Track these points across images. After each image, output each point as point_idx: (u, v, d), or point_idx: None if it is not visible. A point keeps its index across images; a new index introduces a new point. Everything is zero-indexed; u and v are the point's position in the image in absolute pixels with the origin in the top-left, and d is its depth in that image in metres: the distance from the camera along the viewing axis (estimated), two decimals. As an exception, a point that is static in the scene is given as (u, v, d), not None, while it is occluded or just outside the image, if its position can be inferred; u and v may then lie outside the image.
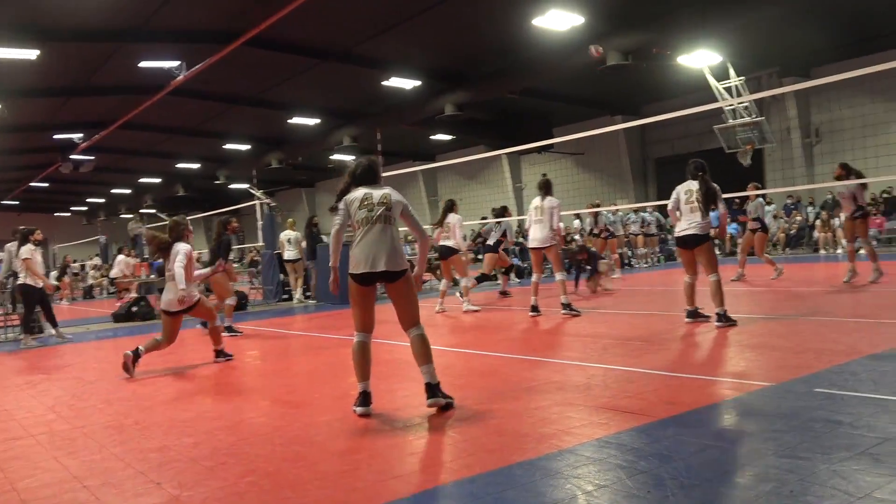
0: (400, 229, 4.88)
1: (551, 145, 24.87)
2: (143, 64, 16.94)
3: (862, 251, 10.68)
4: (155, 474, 3.58)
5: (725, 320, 7.22)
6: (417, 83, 19.90)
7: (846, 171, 10.51)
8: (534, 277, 9.70)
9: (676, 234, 7.67)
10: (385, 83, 19.58)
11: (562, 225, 9.85)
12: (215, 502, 3.14)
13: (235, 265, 18.35)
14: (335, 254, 4.84)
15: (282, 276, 15.69)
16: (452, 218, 10.91)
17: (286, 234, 14.95)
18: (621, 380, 5.10)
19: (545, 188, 9.56)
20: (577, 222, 21.82)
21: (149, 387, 6.21)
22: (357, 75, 19.99)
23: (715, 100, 18.24)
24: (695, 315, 7.64)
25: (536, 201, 9.46)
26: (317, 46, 18.14)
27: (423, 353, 4.61)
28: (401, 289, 4.65)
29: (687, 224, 7.46)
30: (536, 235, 9.33)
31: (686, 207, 7.50)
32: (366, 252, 4.53)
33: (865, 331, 6.47)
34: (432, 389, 4.51)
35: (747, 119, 19.37)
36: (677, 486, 2.95)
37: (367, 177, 4.75)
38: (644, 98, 24.83)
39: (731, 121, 19.63)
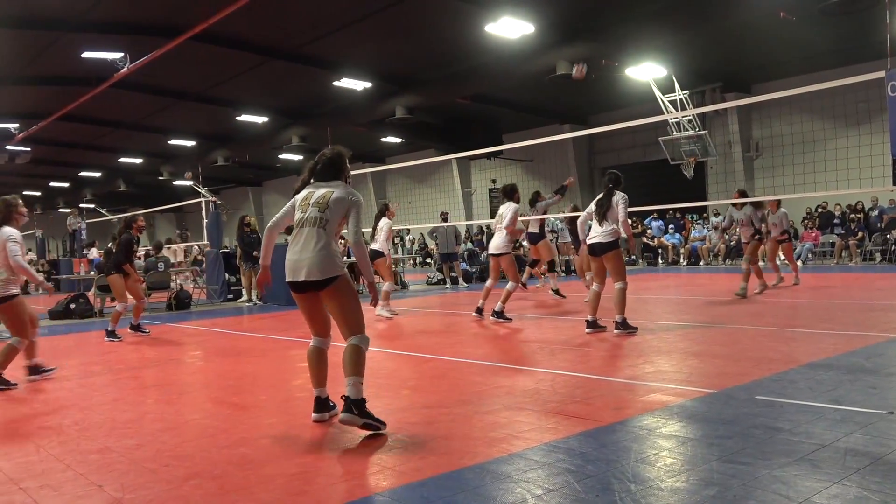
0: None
1: (501, 151, 25.06)
2: (86, 54, 16.45)
3: (743, 265, 11.23)
4: (96, 476, 3.48)
5: (624, 328, 7.51)
6: (368, 85, 19.81)
7: (741, 197, 11.15)
8: (488, 283, 9.86)
9: (587, 243, 7.86)
10: (336, 83, 19.43)
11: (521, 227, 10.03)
12: (159, 506, 3.07)
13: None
14: (265, 249, 4.57)
15: (227, 275, 15.42)
16: (382, 222, 11.06)
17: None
18: (569, 385, 5.16)
19: (506, 193, 9.55)
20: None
21: (87, 387, 6.03)
22: (307, 74, 19.81)
23: (660, 112, 18.65)
24: (594, 325, 7.75)
25: (500, 208, 9.54)
26: (267, 44, 17.91)
27: (350, 362, 4.14)
28: (331, 297, 4.23)
29: (594, 233, 7.69)
30: (494, 242, 9.41)
31: (595, 218, 7.76)
32: (292, 259, 4.24)
33: (802, 340, 6.70)
34: (348, 404, 4.04)
35: (691, 132, 19.86)
36: (624, 490, 3.00)
37: (324, 173, 4.48)
38: (592, 108, 25.23)
39: (675, 133, 20.10)
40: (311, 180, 4.51)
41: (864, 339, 6.52)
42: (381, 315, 10.49)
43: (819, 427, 3.76)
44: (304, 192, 4.41)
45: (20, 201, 6.37)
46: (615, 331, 7.51)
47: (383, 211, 11.28)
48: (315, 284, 4.19)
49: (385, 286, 10.93)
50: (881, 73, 7.37)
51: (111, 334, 9.19)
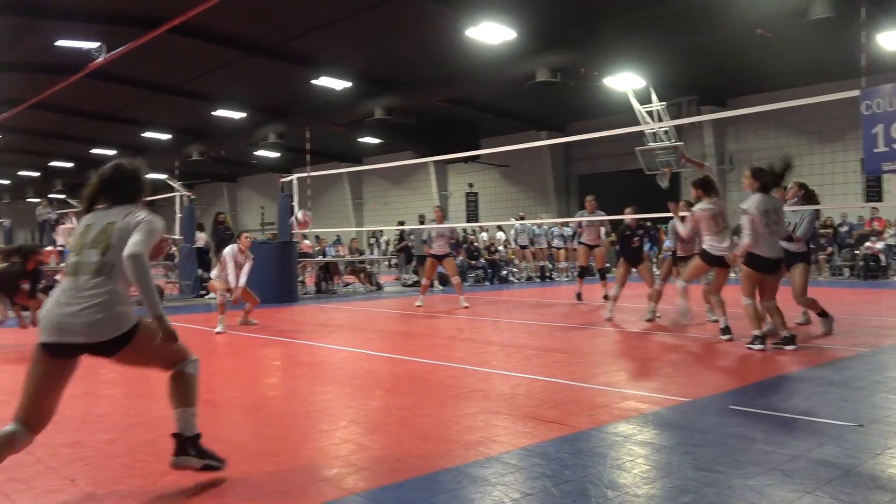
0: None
1: (478, 156, 25.14)
2: (60, 43, 16.21)
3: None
4: (68, 470, 3.42)
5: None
6: (348, 84, 19.77)
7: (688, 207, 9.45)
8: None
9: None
10: (315, 82, 19.37)
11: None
12: (133, 500, 3.03)
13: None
14: None
15: (199, 271, 15.26)
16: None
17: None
18: (545, 390, 5.19)
19: None
20: (500, 234, 22.18)
21: (56, 380, 5.92)
22: (287, 72, 19.71)
23: (637, 122, 18.84)
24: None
25: None
26: (247, 39, 17.80)
27: (182, 392, 3.38)
28: (134, 352, 3.21)
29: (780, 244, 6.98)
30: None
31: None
32: (55, 314, 3.06)
33: (773, 352, 6.78)
34: (181, 443, 3.28)
35: (667, 143, 20.07)
36: (601, 495, 3.02)
37: (111, 194, 3.33)
38: (570, 116, 25.42)
39: (651, 144, 20.30)
40: (92, 206, 3.35)
41: (833, 353, 6.63)
42: (220, 331, 9.09)
43: (791, 438, 3.82)
44: (81, 226, 3.27)
45: None
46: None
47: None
48: (103, 346, 3.09)
49: (218, 297, 9.52)
50: (856, 92, 7.51)
51: None
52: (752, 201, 6.68)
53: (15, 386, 5.57)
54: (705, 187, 7.71)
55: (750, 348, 6.64)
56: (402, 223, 21.66)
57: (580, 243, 12.51)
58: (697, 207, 7.65)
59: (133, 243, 3.04)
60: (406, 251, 19.00)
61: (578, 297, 12.35)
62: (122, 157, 3.59)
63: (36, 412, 3.12)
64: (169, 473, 3.38)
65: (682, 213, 8.56)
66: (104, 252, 3.10)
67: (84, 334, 3.03)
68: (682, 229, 8.53)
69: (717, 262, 7.46)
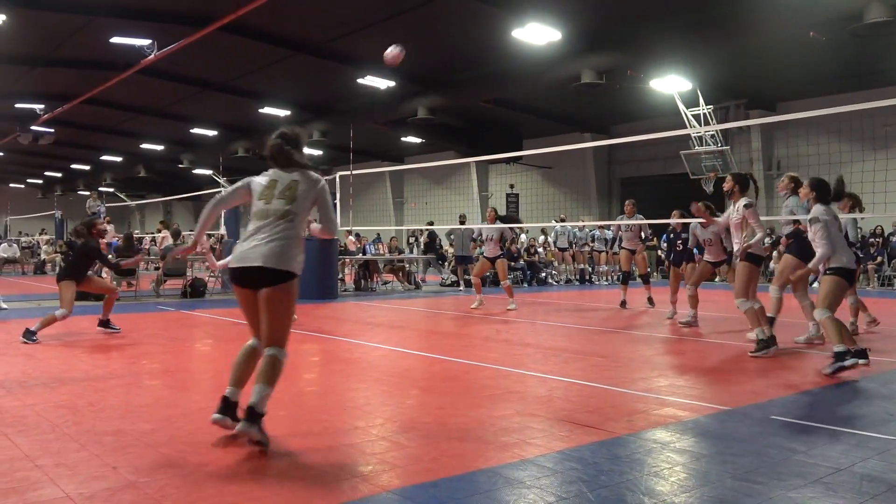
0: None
1: (520, 157, 25.04)
2: (114, 40, 16.59)
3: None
4: (111, 458, 3.50)
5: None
6: (392, 83, 19.86)
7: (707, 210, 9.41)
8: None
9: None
10: (360, 81, 19.49)
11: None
12: (173, 490, 3.09)
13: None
14: (204, 223, 4.22)
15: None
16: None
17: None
18: (582, 394, 5.15)
19: None
20: (542, 237, 22.09)
21: (102, 369, 6.07)
22: (332, 70, 19.88)
23: (683, 125, 18.59)
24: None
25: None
26: (293, 38, 18.00)
27: (266, 371, 3.80)
28: (271, 298, 3.81)
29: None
30: None
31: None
32: (244, 248, 3.85)
33: (818, 362, 6.63)
34: (251, 414, 3.64)
35: (713, 147, 19.75)
36: (638, 502, 2.99)
37: (284, 158, 4.05)
38: (614, 118, 25.16)
39: (697, 147, 20.00)
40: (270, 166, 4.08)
41: (880, 365, 6.46)
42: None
43: (834, 450, 3.73)
44: (265, 178, 4.01)
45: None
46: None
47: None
48: (264, 275, 3.74)
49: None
50: (911, 98, 7.30)
51: (31, 334, 7.56)
52: (820, 209, 6.25)
53: (63, 374, 5.74)
54: (744, 183, 7.41)
55: (842, 367, 5.67)
56: (431, 223, 21.72)
57: (621, 248, 12.30)
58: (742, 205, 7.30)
59: (328, 220, 4.11)
60: (433, 250, 19.04)
61: (623, 304, 12.14)
62: (284, 127, 4.20)
63: (255, 329, 3.97)
64: (208, 465, 3.44)
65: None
66: (290, 202, 3.87)
67: (259, 259, 3.75)
68: (705, 233, 8.55)
69: (760, 262, 7.27)
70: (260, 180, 4.03)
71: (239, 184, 4.14)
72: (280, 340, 3.87)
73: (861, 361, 5.69)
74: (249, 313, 3.98)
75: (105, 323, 8.36)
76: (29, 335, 7.52)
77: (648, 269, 13.05)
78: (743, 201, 7.23)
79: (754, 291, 7.12)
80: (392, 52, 9.69)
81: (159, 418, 4.33)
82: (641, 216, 11.85)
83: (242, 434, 3.62)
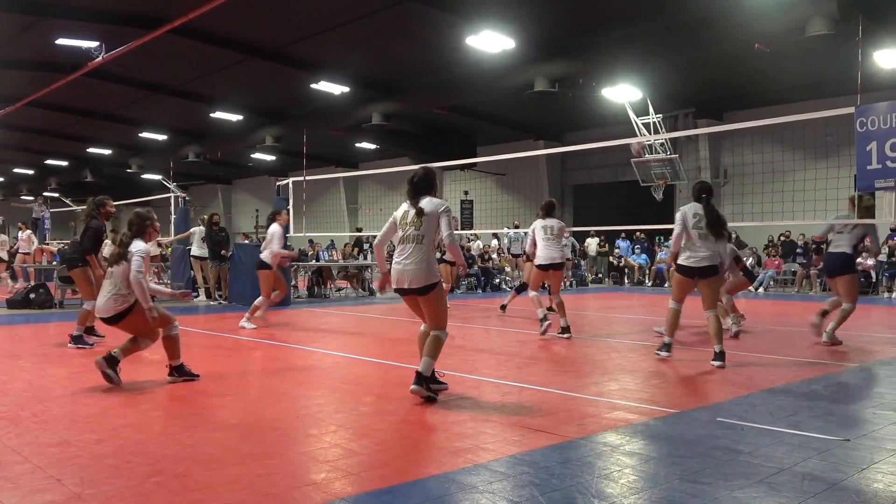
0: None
1: (474, 163, 25.16)
2: (61, 41, 16.19)
3: None
4: (55, 470, 3.41)
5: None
6: (346, 89, 19.76)
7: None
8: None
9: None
10: (314, 86, 19.36)
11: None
12: (119, 501, 3.03)
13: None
14: (379, 260, 5.50)
15: (192, 272, 15.24)
16: (273, 228, 10.14)
17: (200, 231, 14.57)
18: (534, 399, 5.20)
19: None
20: (494, 241, 22.24)
21: (46, 379, 5.91)
22: (286, 75, 19.70)
23: (634, 134, 18.91)
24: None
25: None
26: (246, 42, 17.78)
27: (430, 347, 5.08)
28: (427, 301, 5.14)
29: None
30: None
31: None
32: (397, 270, 5.14)
33: (762, 365, 6.81)
34: (420, 378, 4.97)
35: (662, 155, 20.13)
36: (588, 505, 3.03)
37: (414, 191, 5.24)
38: (567, 126, 25.48)
39: (647, 155, 20.36)
40: (407, 199, 5.24)
41: (822, 368, 6.66)
42: (245, 327, 9.62)
43: (778, 451, 3.83)
44: (401, 211, 5.23)
45: (155, 215, 6.08)
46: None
47: (273, 217, 10.36)
48: (416, 290, 5.07)
49: (258, 300, 9.89)
50: (851, 109, 7.57)
51: (79, 339, 7.62)
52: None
53: (4, 385, 5.57)
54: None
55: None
56: (359, 229, 21.65)
57: (527, 258, 12.05)
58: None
59: (447, 235, 5.13)
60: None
61: (503, 308, 12.01)
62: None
63: (423, 319, 5.30)
64: (155, 475, 3.38)
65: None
66: (418, 228, 5.08)
67: (408, 281, 5.07)
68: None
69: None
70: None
71: None
72: (439, 324, 5.17)
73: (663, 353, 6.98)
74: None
75: (78, 338, 7.67)
76: (79, 341, 7.52)
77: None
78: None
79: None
80: None
81: (106, 428, 4.24)
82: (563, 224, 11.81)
83: (415, 393, 4.92)
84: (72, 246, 8.35)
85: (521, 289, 12.13)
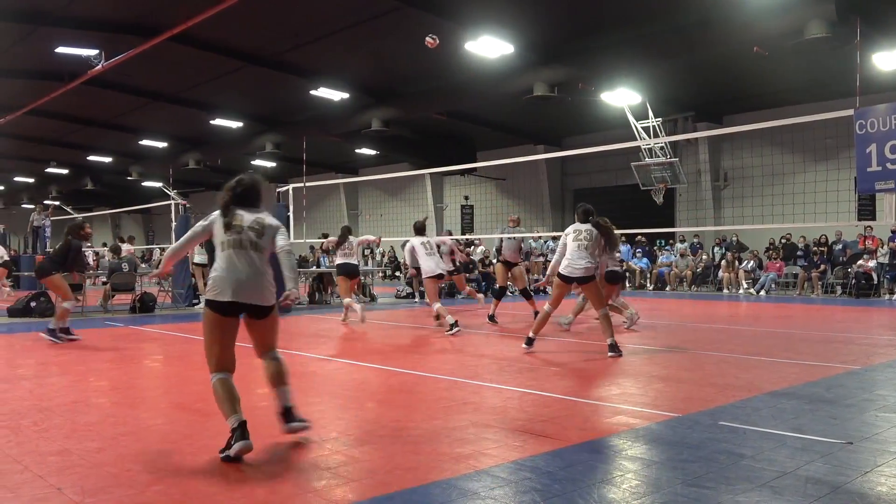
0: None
1: (474, 168, 25.18)
2: (60, 49, 16.21)
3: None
4: (55, 478, 3.40)
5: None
6: (346, 95, 19.78)
7: None
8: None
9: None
10: (313, 92, 19.38)
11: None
12: (120, 511, 3.02)
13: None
14: (168, 262, 4.62)
15: (193, 279, 15.24)
16: (354, 239, 11.98)
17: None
18: (536, 403, 5.19)
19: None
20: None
21: (46, 387, 5.90)
22: (285, 82, 19.72)
23: (633, 138, 18.92)
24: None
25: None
26: (245, 49, 17.80)
27: (285, 373, 4.49)
28: (267, 323, 4.40)
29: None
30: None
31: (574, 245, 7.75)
32: (235, 278, 4.12)
33: (764, 368, 6.80)
34: (292, 413, 4.24)
35: (662, 159, 20.15)
36: (591, 510, 3.02)
37: (249, 198, 4.38)
38: (566, 130, 25.48)
39: (647, 159, 20.38)
40: (232, 205, 4.32)
41: (824, 370, 6.64)
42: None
43: (781, 455, 3.82)
44: (226, 216, 4.27)
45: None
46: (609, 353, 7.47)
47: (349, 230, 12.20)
48: (254, 310, 4.18)
49: (347, 301, 11.61)
50: (850, 111, 7.57)
51: (52, 332, 8.70)
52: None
53: (4, 393, 5.56)
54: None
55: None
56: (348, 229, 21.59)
57: (499, 261, 11.78)
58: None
59: (288, 243, 4.43)
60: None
61: (491, 318, 11.36)
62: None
63: (230, 359, 4.41)
64: (156, 483, 3.37)
65: None
66: (260, 236, 4.23)
67: (255, 298, 4.19)
68: None
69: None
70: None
71: None
72: (276, 344, 4.57)
73: (526, 347, 7.82)
74: None
75: (52, 331, 8.77)
76: (52, 334, 8.61)
77: (527, 285, 12.18)
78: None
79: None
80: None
81: (106, 436, 4.23)
82: (523, 229, 11.85)
83: (297, 430, 4.18)
84: (46, 258, 9.98)
85: (500, 294, 11.98)
